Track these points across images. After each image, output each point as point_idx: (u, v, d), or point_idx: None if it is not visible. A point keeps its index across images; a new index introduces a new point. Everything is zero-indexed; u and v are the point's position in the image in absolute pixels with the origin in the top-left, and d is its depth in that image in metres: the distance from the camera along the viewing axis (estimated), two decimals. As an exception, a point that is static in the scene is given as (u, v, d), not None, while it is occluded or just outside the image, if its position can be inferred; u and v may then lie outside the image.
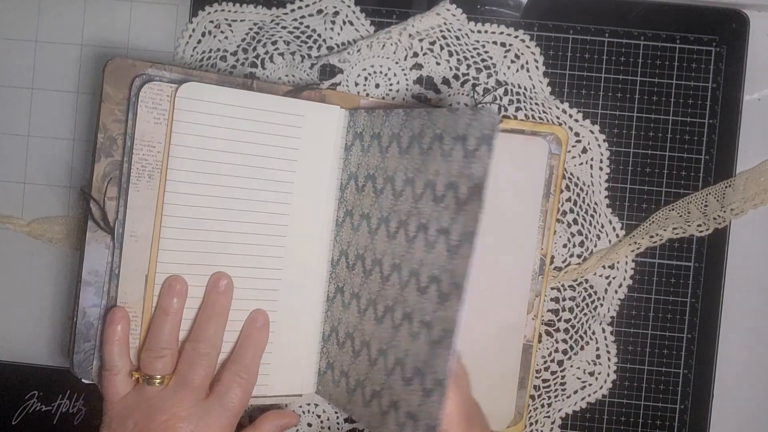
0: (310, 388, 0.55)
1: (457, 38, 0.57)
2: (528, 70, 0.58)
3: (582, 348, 0.58)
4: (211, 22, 0.58)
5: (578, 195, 0.58)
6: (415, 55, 0.58)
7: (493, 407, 0.55)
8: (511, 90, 0.57)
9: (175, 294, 0.50)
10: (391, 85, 0.58)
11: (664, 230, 0.58)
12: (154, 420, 0.47)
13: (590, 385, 0.58)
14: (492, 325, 0.56)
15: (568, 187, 0.57)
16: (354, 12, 0.58)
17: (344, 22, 0.58)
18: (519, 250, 0.55)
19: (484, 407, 0.54)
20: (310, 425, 0.59)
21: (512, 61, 0.58)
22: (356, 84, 0.58)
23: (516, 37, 0.58)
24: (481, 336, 0.55)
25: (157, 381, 0.49)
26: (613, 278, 0.58)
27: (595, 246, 0.58)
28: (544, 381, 0.58)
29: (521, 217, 0.55)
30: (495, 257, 0.55)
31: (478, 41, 0.58)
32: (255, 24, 0.58)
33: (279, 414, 0.53)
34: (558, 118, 0.57)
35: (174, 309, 0.50)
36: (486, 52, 0.58)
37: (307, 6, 0.58)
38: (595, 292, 0.58)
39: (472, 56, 0.58)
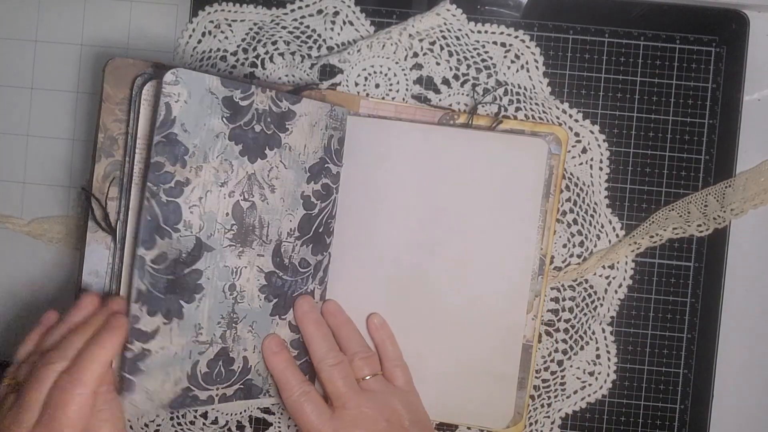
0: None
1: (457, 38, 0.57)
2: (528, 70, 0.58)
3: (582, 348, 0.58)
4: (211, 22, 0.58)
5: (578, 195, 0.58)
6: (415, 55, 0.58)
7: (492, 407, 0.55)
8: (511, 90, 0.57)
9: (279, 360, 0.53)
10: (391, 85, 0.58)
11: (664, 230, 0.58)
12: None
13: (590, 385, 0.58)
14: (491, 325, 0.55)
15: (568, 187, 0.57)
16: (354, 12, 0.58)
17: (344, 22, 0.58)
18: (519, 249, 0.55)
19: (484, 407, 0.54)
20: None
21: (512, 61, 0.58)
22: (356, 84, 0.58)
23: (516, 37, 0.58)
24: (481, 336, 0.55)
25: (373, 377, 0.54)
26: (613, 278, 0.58)
27: (595, 246, 0.58)
28: (544, 381, 0.58)
29: (521, 217, 0.55)
30: (494, 257, 0.55)
31: (478, 41, 0.58)
32: (255, 24, 0.58)
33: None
34: (558, 118, 0.57)
35: (350, 319, 0.56)
36: (486, 52, 0.58)
37: (307, 6, 0.58)
38: (595, 292, 0.58)
39: (472, 56, 0.58)
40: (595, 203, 0.58)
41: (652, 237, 0.58)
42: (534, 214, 0.55)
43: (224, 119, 0.48)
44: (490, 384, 0.56)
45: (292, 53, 0.58)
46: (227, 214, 0.49)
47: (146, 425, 0.59)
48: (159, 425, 0.59)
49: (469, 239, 0.55)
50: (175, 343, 0.48)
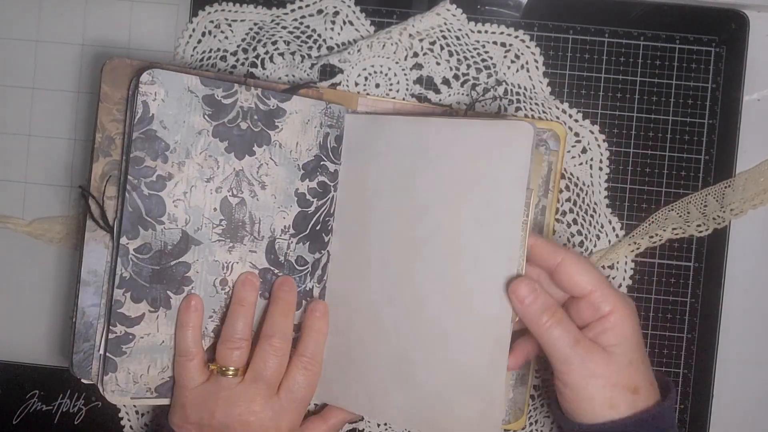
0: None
1: (457, 38, 0.57)
2: (528, 70, 0.58)
3: (582, 348, 0.58)
4: (211, 22, 0.58)
5: (578, 195, 0.58)
6: (415, 55, 0.58)
7: (480, 402, 0.49)
8: (511, 90, 0.57)
9: (249, 287, 0.51)
10: (391, 85, 0.58)
11: (664, 230, 0.58)
12: (230, 412, 0.49)
13: (590, 385, 0.58)
14: (477, 334, 0.49)
15: (567, 187, 0.57)
16: (354, 12, 0.58)
17: (344, 22, 0.58)
18: (501, 249, 0.48)
19: (471, 404, 0.49)
20: (309, 425, 0.59)
21: (512, 61, 0.58)
22: (356, 84, 0.58)
23: (516, 37, 0.58)
24: (467, 348, 0.50)
25: (231, 373, 0.50)
26: (613, 278, 0.58)
27: (595, 246, 0.58)
28: (544, 381, 0.58)
29: (503, 212, 0.48)
30: (478, 257, 0.49)
31: (478, 41, 0.58)
32: (255, 24, 0.58)
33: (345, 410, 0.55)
34: (558, 118, 0.57)
35: (249, 301, 0.51)
36: (486, 52, 0.58)
37: (307, 6, 0.58)
38: (595, 292, 0.58)
39: (472, 56, 0.58)
40: (595, 203, 0.58)
41: (651, 237, 0.58)
42: (515, 207, 0.47)
43: (206, 117, 0.50)
44: (473, 378, 0.50)
45: (292, 53, 0.58)
46: (215, 209, 0.51)
47: (146, 425, 0.59)
48: (159, 425, 0.59)
49: (454, 238, 0.50)
50: (162, 332, 0.51)
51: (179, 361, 0.51)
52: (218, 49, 0.58)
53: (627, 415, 0.46)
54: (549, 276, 0.49)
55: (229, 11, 0.58)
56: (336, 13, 0.58)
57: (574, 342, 0.46)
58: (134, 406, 0.59)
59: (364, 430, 0.59)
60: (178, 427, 0.51)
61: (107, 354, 0.49)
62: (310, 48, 0.58)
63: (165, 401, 0.53)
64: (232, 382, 0.50)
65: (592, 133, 0.58)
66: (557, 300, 0.49)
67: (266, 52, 0.58)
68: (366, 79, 0.58)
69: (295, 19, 0.58)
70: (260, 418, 0.50)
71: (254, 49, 0.58)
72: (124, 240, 0.48)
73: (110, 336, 0.49)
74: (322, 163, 0.54)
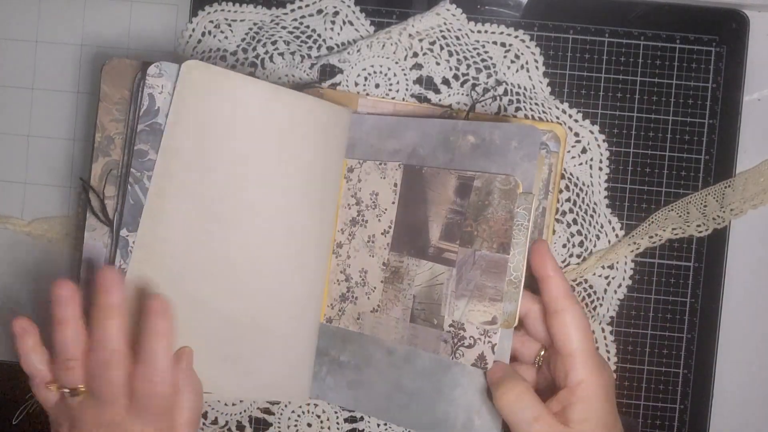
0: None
1: (457, 38, 0.57)
2: (528, 70, 0.58)
3: (582, 348, 0.58)
4: (211, 22, 0.58)
5: (578, 195, 0.58)
6: (415, 55, 0.58)
7: (287, 383, 0.53)
8: (511, 90, 0.57)
9: (63, 302, 0.45)
10: (391, 85, 0.58)
11: (664, 230, 0.58)
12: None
13: (590, 385, 0.58)
14: (286, 298, 0.51)
15: (567, 188, 0.57)
16: (354, 12, 0.58)
17: (344, 22, 0.58)
18: (316, 234, 0.51)
19: (279, 382, 0.51)
20: (309, 425, 0.59)
21: (512, 61, 0.58)
22: (356, 84, 0.58)
23: (516, 37, 0.58)
24: (277, 309, 0.51)
25: (69, 393, 0.46)
26: (613, 278, 0.58)
27: (595, 246, 0.58)
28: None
29: (320, 178, 0.51)
30: (292, 243, 0.51)
31: (478, 41, 0.58)
32: (255, 24, 0.58)
33: None
34: (558, 118, 0.57)
35: (67, 317, 0.45)
36: (486, 52, 0.58)
37: (307, 6, 0.58)
38: (595, 292, 0.58)
39: (472, 56, 0.58)
40: (595, 203, 0.58)
41: (651, 237, 0.58)
42: (328, 192, 0.50)
43: None
44: (285, 360, 0.53)
45: (292, 53, 0.58)
46: None
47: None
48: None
49: (272, 221, 0.51)
50: None
51: (30, 384, 0.48)
52: (218, 49, 0.58)
53: None
54: (543, 315, 0.50)
55: (229, 11, 0.58)
56: (336, 13, 0.58)
57: (536, 419, 0.46)
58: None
59: (364, 430, 0.59)
60: None
61: None
62: (310, 48, 0.58)
63: None
64: (76, 400, 0.46)
65: (592, 133, 0.58)
66: (537, 342, 0.51)
67: (266, 52, 0.58)
68: (366, 79, 0.58)
69: (295, 19, 0.58)
70: None
71: (254, 49, 0.58)
72: (124, 232, 0.48)
73: None
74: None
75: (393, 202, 0.54)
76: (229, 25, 0.58)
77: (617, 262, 0.58)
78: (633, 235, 0.58)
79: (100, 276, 0.45)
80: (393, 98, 0.58)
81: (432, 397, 0.52)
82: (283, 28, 0.58)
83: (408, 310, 0.53)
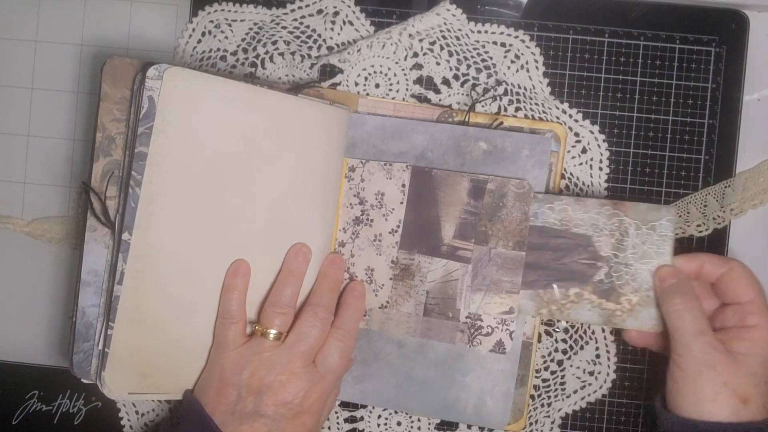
0: None
1: (457, 38, 0.57)
2: (528, 70, 0.58)
3: (582, 348, 0.58)
4: (211, 21, 0.58)
5: (578, 195, 0.58)
6: (415, 55, 0.58)
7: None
8: (511, 90, 0.57)
9: (301, 257, 0.53)
10: (391, 85, 0.58)
11: (664, 230, 0.58)
12: (270, 372, 0.49)
13: (590, 384, 0.58)
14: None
15: (567, 188, 0.57)
16: (354, 12, 0.58)
17: (344, 22, 0.58)
18: (316, 210, 0.53)
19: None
20: (309, 425, 0.59)
21: (512, 61, 0.58)
22: (356, 84, 0.58)
23: (516, 37, 0.58)
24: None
25: (273, 336, 0.50)
26: (613, 278, 0.58)
27: (595, 246, 0.58)
28: (544, 381, 0.58)
29: (317, 178, 0.53)
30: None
31: (478, 41, 0.58)
32: (255, 24, 0.58)
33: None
34: (558, 118, 0.57)
35: (299, 272, 0.53)
36: (486, 52, 0.58)
37: (307, 6, 0.58)
38: (595, 292, 0.58)
39: (472, 56, 0.58)
40: (595, 203, 0.58)
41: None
42: (327, 192, 0.55)
43: None
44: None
45: (292, 53, 0.58)
46: None
47: (146, 425, 0.59)
48: (159, 425, 0.59)
49: (265, 223, 0.52)
50: None
51: (222, 323, 0.51)
52: (218, 49, 0.58)
53: (729, 421, 0.45)
54: (711, 287, 0.51)
55: (229, 11, 0.58)
56: (336, 13, 0.58)
57: (699, 331, 0.47)
58: (134, 405, 0.59)
59: (364, 430, 0.59)
60: (211, 396, 0.50)
61: (106, 350, 0.49)
62: (310, 48, 0.58)
63: (162, 396, 0.53)
64: (273, 344, 0.50)
65: (592, 133, 0.58)
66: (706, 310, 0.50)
67: (266, 52, 0.58)
68: (366, 79, 0.58)
69: (295, 19, 0.58)
70: (296, 381, 0.50)
71: (254, 49, 0.58)
72: (125, 236, 0.48)
73: (109, 332, 0.49)
74: None
75: (401, 202, 0.56)
76: (229, 25, 0.58)
77: (617, 262, 0.58)
78: (633, 235, 0.58)
79: (332, 258, 0.55)
80: (393, 98, 0.58)
81: (444, 384, 0.55)
82: (284, 28, 0.58)
83: (421, 305, 0.55)
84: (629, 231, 0.52)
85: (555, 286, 0.53)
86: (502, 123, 0.56)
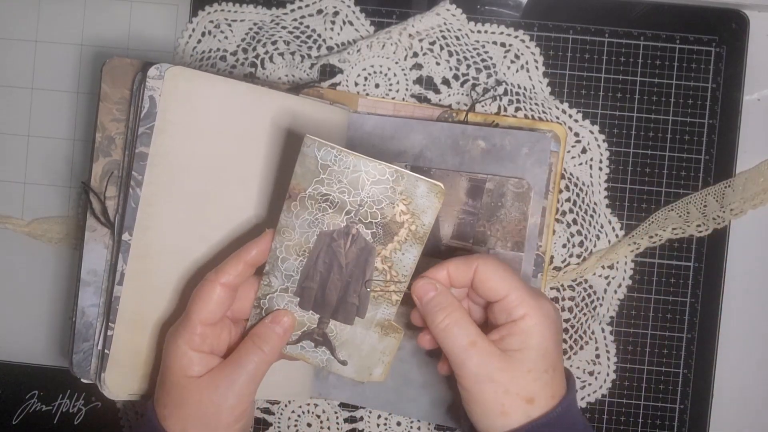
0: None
1: (457, 38, 0.57)
2: (528, 70, 0.58)
3: (581, 348, 0.58)
4: (211, 22, 0.58)
5: (578, 195, 0.58)
6: (415, 55, 0.58)
7: (287, 382, 0.55)
8: (511, 90, 0.57)
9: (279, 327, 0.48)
10: (391, 85, 0.58)
11: (664, 230, 0.58)
12: None
13: (590, 384, 0.58)
14: None
15: (567, 187, 0.57)
16: (354, 12, 0.58)
17: (344, 22, 0.58)
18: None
19: (279, 382, 0.52)
20: (309, 425, 0.59)
21: (512, 61, 0.58)
22: (356, 84, 0.58)
23: (516, 37, 0.58)
24: None
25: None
26: (613, 278, 0.58)
27: (595, 246, 0.58)
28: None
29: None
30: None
31: (478, 41, 0.58)
32: (255, 24, 0.58)
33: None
34: (558, 118, 0.57)
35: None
36: (486, 52, 0.58)
37: (307, 6, 0.58)
38: (595, 292, 0.58)
39: (472, 56, 0.58)
40: (595, 203, 0.58)
41: (651, 237, 0.58)
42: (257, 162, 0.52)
43: None
44: None
45: (292, 53, 0.58)
46: None
47: (142, 415, 0.59)
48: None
49: (264, 222, 0.52)
50: None
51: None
52: (218, 49, 0.58)
53: (520, 425, 0.44)
54: (469, 289, 0.48)
55: (229, 11, 0.58)
56: (336, 13, 0.58)
57: (469, 344, 0.45)
58: (133, 405, 0.59)
59: (364, 430, 0.59)
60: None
61: (106, 351, 0.49)
62: (310, 48, 0.58)
63: None
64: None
65: (592, 133, 0.58)
66: (477, 308, 0.48)
67: (266, 52, 0.58)
68: (366, 79, 0.58)
69: (295, 19, 0.58)
70: None
71: (254, 49, 0.58)
72: (126, 236, 0.48)
73: (109, 333, 0.49)
74: None
75: None
76: (229, 25, 0.58)
77: (617, 262, 0.58)
78: (633, 235, 0.58)
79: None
80: (393, 98, 0.58)
81: (441, 388, 0.55)
82: (283, 28, 0.58)
83: None
84: (319, 193, 0.45)
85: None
86: (498, 125, 0.56)
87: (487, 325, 0.48)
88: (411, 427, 0.59)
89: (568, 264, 0.58)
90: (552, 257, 0.57)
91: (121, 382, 0.50)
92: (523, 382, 0.44)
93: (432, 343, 0.48)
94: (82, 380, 0.51)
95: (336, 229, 0.45)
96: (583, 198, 0.58)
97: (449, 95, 0.58)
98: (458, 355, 0.45)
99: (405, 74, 0.58)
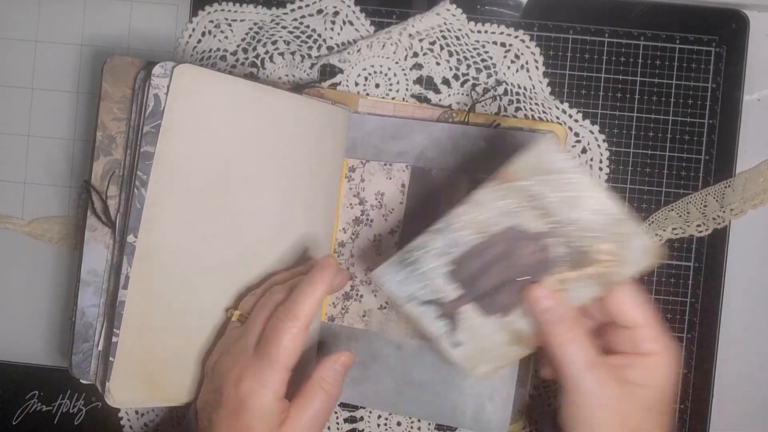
0: None
1: (457, 38, 0.57)
2: (528, 70, 0.58)
3: (582, 348, 0.58)
4: (211, 21, 0.58)
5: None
6: (415, 55, 0.58)
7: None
8: (511, 90, 0.57)
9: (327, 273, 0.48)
10: (391, 85, 0.58)
11: (664, 230, 0.58)
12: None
13: (590, 385, 0.58)
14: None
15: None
16: (354, 12, 0.58)
17: (344, 22, 0.58)
18: (317, 210, 0.53)
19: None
20: (309, 425, 0.59)
21: (512, 61, 0.58)
22: (356, 84, 0.58)
23: (516, 37, 0.58)
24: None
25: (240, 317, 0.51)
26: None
27: (595, 246, 0.58)
28: (544, 381, 0.58)
29: (318, 177, 0.53)
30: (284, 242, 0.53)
31: (478, 41, 0.58)
32: (255, 24, 0.58)
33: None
34: (558, 118, 0.57)
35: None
36: (486, 52, 0.58)
37: (307, 6, 0.58)
38: (595, 292, 0.58)
39: (472, 56, 0.58)
40: (595, 203, 0.58)
41: (651, 237, 0.58)
42: (327, 192, 0.54)
43: None
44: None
45: (292, 53, 0.58)
46: None
47: (146, 425, 0.59)
48: (159, 425, 0.59)
49: (269, 222, 0.52)
50: None
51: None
52: (218, 49, 0.58)
53: None
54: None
55: (229, 11, 0.58)
56: (336, 13, 0.58)
57: (588, 365, 0.43)
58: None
59: (364, 430, 0.59)
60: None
61: (110, 358, 0.48)
62: (310, 48, 0.58)
63: (167, 403, 0.52)
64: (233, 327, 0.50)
65: (592, 133, 0.58)
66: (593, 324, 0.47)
67: (266, 52, 0.58)
68: (366, 79, 0.58)
69: (295, 19, 0.58)
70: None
71: (254, 49, 0.58)
72: (131, 238, 0.46)
73: (114, 339, 0.47)
74: None
75: (401, 203, 0.56)
76: (229, 25, 0.58)
77: (617, 262, 0.58)
78: (633, 235, 0.58)
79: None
80: (393, 98, 0.58)
81: (443, 388, 0.55)
82: (283, 28, 0.58)
83: None
84: (534, 191, 0.43)
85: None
86: (499, 125, 0.56)
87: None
88: (411, 427, 0.59)
89: (568, 264, 0.58)
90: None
91: (126, 392, 0.48)
92: (638, 418, 0.43)
93: (554, 374, 0.46)
94: (81, 381, 0.51)
95: (528, 230, 0.44)
96: (583, 198, 0.58)
97: (449, 95, 0.58)
98: (574, 373, 0.43)
99: (405, 74, 0.58)
